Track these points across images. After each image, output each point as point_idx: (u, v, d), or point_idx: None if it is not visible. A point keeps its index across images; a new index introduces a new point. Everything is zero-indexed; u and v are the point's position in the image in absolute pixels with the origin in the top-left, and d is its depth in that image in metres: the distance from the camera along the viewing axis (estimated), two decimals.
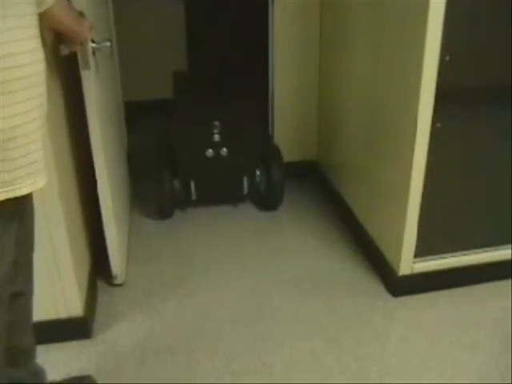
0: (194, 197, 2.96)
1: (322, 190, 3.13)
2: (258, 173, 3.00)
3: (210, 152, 2.85)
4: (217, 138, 2.83)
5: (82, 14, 1.75)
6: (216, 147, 2.85)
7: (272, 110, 3.09)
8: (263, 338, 2.15)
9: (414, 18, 1.95)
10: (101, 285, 2.46)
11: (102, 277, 2.48)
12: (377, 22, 2.31)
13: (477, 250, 2.34)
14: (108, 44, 2.04)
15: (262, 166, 3.00)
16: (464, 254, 2.34)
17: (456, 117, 2.11)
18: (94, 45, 1.97)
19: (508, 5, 1.94)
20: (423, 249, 2.28)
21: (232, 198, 3.07)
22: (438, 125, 2.09)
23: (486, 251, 2.35)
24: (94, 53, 2.00)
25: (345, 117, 2.78)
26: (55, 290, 2.10)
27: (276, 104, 3.08)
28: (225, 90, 2.97)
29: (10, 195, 1.22)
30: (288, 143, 3.17)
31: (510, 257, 2.36)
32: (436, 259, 2.32)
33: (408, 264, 2.28)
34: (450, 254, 2.33)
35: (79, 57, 1.93)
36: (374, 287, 2.42)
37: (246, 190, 3.00)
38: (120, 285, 2.45)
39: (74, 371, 2.00)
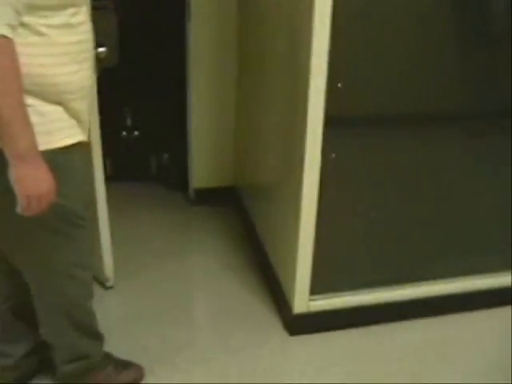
0: (108, 172, 3.01)
1: (236, 217, 2.99)
2: (165, 156, 3.25)
3: (123, 134, 3.14)
4: (129, 122, 3.13)
5: None
6: (128, 130, 3.15)
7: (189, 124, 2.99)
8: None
9: (300, 45, 1.85)
10: None
11: None
12: (270, 45, 2.23)
13: (378, 289, 2.22)
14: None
15: (170, 151, 3.26)
16: (365, 293, 2.21)
17: (353, 146, 2.00)
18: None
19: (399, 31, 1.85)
20: (322, 286, 2.15)
21: (142, 176, 3.27)
22: (333, 155, 1.98)
23: (388, 290, 2.22)
24: None
25: (258, 140, 2.65)
26: None
27: (192, 127, 2.95)
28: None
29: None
30: (205, 168, 3.05)
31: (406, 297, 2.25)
32: (334, 297, 2.18)
33: (303, 301, 2.15)
34: (350, 293, 2.20)
35: None
36: (270, 322, 2.28)
37: (153, 170, 3.28)
38: (112, 287, 2.41)
39: None
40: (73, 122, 1.49)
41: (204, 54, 2.80)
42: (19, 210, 1.36)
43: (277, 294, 2.35)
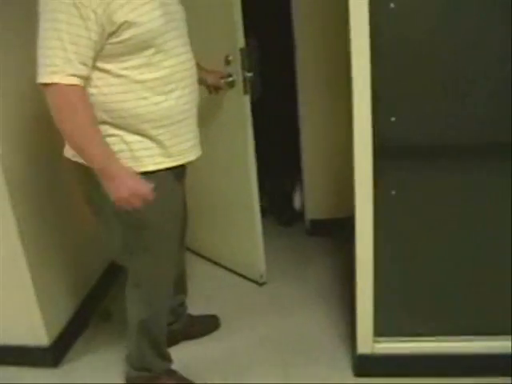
0: None
1: (348, 250, 2.93)
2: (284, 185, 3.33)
3: None
4: None
5: None
6: None
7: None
8: None
9: None
10: None
11: None
12: None
13: (457, 338, 2.03)
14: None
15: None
16: (435, 341, 2.04)
17: (415, 183, 1.89)
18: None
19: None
20: (388, 328, 2.05)
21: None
22: (393, 192, 1.89)
23: (458, 341, 2.02)
24: None
25: None
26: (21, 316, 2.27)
27: (307, 160, 3.01)
28: None
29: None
30: (320, 199, 3.08)
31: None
32: (401, 341, 2.06)
33: (367, 342, 2.06)
34: (419, 339, 2.05)
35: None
36: (340, 360, 2.23)
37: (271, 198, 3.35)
38: (265, 283, 2.75)
39: None
40: (159, 150, 1.69)
41: (315, 90, 2.89)
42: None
43: (352, 332, 2.28)
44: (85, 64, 1.52)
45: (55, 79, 1.48)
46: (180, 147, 1.74)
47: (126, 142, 1.66)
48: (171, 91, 1.66)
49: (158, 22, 1.59)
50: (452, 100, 1.76)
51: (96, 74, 1.58)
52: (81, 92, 1.54)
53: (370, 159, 1.82)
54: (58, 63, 1.47)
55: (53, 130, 1.80)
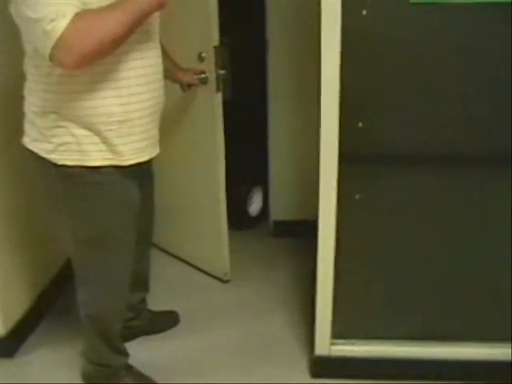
0: None
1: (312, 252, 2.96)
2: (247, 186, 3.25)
3: None
4: None
5: None
6: None
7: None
8: None
9: None
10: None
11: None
12: None
13: (405, 343, 2.07)
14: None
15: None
16: (391, 345, 2.07)
17: (380, 187, 1.92)
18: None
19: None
20: (345, 331, 2.07)
21: None
22: (357, 196, 1.92)
23: (416, 346, 2.06)
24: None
25: None
26: None
27: (273, 161, 3.03)
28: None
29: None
30: (285, 201, 3.09)
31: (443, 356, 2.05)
32: (358, 344, 2.09)
33: (324, 344, 2.09)
34: (376, 342, 2.08)
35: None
36: (298, 361, 2.25)
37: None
38: (229, 281, 2.76)
39: None
40: (106, 146, 1.65)
41: (284, 90, 2.90)
42: None
43: (311, 333, 2.30)
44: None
45: (57, 34, 1.39)
46: (132, 146, 1.69)
47: (72, 134, 1.62)
48: (131, 95, 1.63)
49: None
50: (419, 107, 1.80)
51: (49, 63, 1.49)
52: (80, 14, 1.42)
53: (336, 163, 1.84)
54: (52, 23, 1.39)
55: (17, 124, 1.77)
